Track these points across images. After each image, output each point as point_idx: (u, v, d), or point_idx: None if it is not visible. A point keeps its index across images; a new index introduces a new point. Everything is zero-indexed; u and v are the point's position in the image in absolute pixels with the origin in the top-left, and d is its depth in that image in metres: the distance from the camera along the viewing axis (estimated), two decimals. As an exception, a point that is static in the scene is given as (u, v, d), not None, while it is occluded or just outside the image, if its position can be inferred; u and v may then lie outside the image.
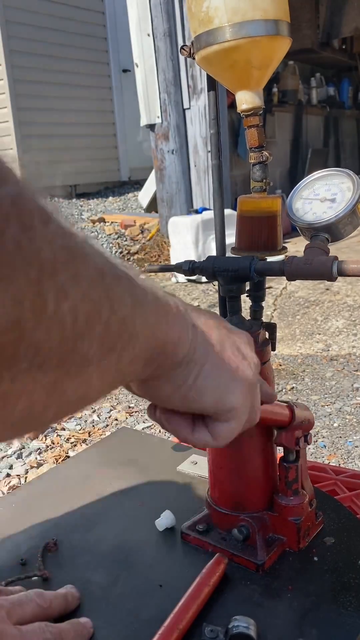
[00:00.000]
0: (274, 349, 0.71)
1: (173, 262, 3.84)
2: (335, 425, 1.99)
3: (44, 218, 0.26)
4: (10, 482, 1.71)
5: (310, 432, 0.68)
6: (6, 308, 0.23)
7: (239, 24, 0.61)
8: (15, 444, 1.94)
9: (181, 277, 3.76)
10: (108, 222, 5.11)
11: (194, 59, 0.67)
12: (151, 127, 4.47)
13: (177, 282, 3.77)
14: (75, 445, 1.93)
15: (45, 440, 1.96)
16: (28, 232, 0.25)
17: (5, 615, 0.52)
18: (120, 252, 4.41)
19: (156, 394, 0.43)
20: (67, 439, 1.96)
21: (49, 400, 0.28)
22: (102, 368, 0.31)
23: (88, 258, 0.29)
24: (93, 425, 2.06)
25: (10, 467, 1.80)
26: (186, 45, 0.67)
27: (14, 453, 1.88)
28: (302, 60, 6.18)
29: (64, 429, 2.03)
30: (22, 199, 0.25)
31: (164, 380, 0.41)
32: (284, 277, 0.64)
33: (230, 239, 0.72)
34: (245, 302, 0.72)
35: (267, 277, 0.69)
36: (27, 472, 1.77)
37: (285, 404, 0.66)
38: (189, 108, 4.37)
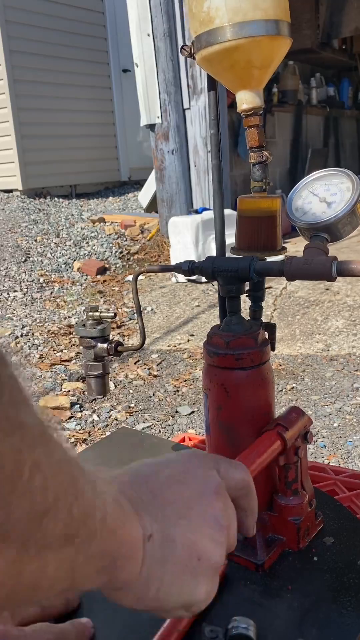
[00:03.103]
0: (273, 349, 0.71)
1: (173, 262, 3.84)
2: (335, 425, 1.99)
3: (27, 395, 0.29)
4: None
5: (310, 430, 0.68)
6: None
7: (239, 24, 0.61)
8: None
9: (181, 277, 3.76)
10: (108, 222, 5.11)
11: (194, 59, 0.67)
12: (151, 127, 4.47)
13: (177, 282, 3.77)
14: (75, 445, 1.93)
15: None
16: (16, 406, 0.28)
17: (8, 616, 0.53)
18: (120, 252, 4.41)
19: (119, 601, 0.41)
20: (67, 439, 1.96)
21: (4, 578, 0.28)
22: (59, 557, 0.31)
23: (59, 442, 0.32)
24: (93, 425, 2.06)
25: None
26: (187, 45, 0.67)
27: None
28: (302, 60, 6.18)
29: (64, 429, 2.03)
30: (17, 378, 0.29)
31: (122, 592, 0.40)
32: (284, 277, 0.64)
33: (231, 239, 0.72)
34: (245, 302, 0.72)
35: (267, 277, 0.69)
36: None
37: (273, 432, 0.64)
38: (189, 108, 4.37)
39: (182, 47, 0.67)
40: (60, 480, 0.30)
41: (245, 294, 0.71)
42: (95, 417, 2.12)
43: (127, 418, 2.11)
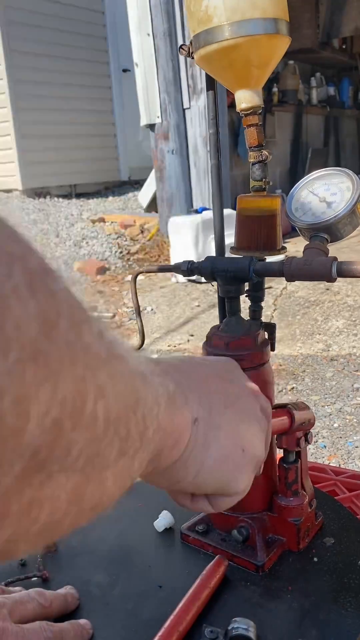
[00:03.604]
0: (273, 349, 0.70)
1: (173, 262, 3.83)
2: (336, 425, 1.99)
3: (89, 315, 0.26)
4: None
5: (310, 431, 0.68)
6: (51, 408, 0.22)
7: (238, 22, 0.61)
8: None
9: (181, 277, 3.75)
10: (108, 222, 5.11)
11: (192, 58, 0.66)
12: (151, 127, 4.47)
13: (177, 282, 3.77)
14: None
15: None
16: (77, 327, 0.25)
17: (7, 613, 0.53)
18: (120, 252, 4.41)
19: (155, 484, 0.41)
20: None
21: (69, 507, 0.27)
22: (117, 471, 0.30)
23: (120, 356, 0.29)
24: (93, 426, 2.06)
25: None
26: (185, 45, 0.67)
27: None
28: (302, 60, 6.18)
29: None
30: (72, 294, 0.25)
31: (160, 476, 0.40)
32: (284, 278, 0.64)
33: (231, 238, 0.72)
34: (245, 302, 0.71)
35: (267, 278, 0.69)
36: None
37: (284, 409, 0.65)
38: (189, 108, 4.37)
39: (180, 47, 0.67)
40: (123, 399, 0.28)
41: (245, 294, 0.71)
42: (95, 417, 2.12)
43: (127, 418, 2.11)
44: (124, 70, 7.01)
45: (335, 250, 0.62)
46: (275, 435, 0.67)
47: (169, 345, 2.81)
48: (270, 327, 0.73)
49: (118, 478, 0.30)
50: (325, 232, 0.66)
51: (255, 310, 0.74)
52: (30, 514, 0.24)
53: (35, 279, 0.22)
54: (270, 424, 0.50)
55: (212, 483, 0.42)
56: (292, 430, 0.65)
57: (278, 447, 0.68)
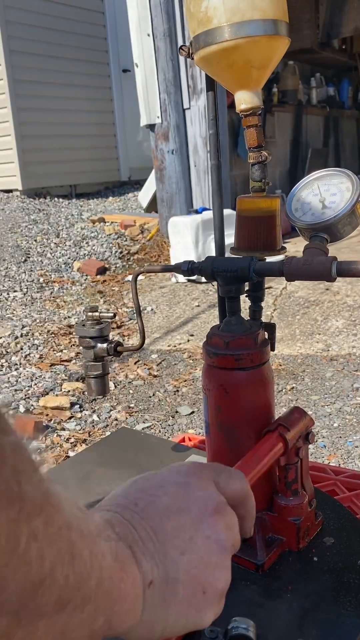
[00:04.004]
0: (273, 349, 0.70)
1: (173, 262, 3.84)
2: (335, 425, 1.99)
3: (34, 466, 0.29)
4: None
5: (311, 430, 0.68)
6: None
7: (237, 23, 0.61)
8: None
9: (181, 277, 3.75)
10: (108, 222, 5.11)
11: (192, 59, 0.66)
12: (151, 127, 4.47)
13: (177, 282, 3.77)
14: (75, 445, 1.93)
15: (45, 440, 1.96)
16: (18, 476, 0.27)
17: None
18: (120, 252, 4.41)
19: None
20: (67, 439, 1.96)
21: None
22: (51, 623, 0.31)
23: (59, 508, 0.31)
24: (93, 426, 2.06)
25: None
26: (185, 46, 0.67)
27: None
28: (302, 60, 6.18)
29: (63, 429, 2.03)
30: (20, 447, 0.28)
31: (126, 636, 0.39)
32: (284, 278, 0.64)
33: (231, 239, 0.72)
34: (245, 302, 0.72)
35: (267, 277, 0.69)
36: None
37: (274, 433, 0.64)
38: (189, 108, 4.37)
39: (180, 48, 0.67)
40: (57, 547, 0.30)
41: (245, 294, 0.71)
42: (95, 417, 2.12)
43: (127, 418, 2.11)
44: (124, 71, 7.01)
45: (335, 250, 0.62)
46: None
47: (168, 345, 2.81)
48: (270, 327, 0.73)
49: (51, 631, 0.31)
50: (325, 232, 0.66)
51: (255, 310, 0.74)
52: None
53: None
54: (250, 497, 0.49)
55: (178, 631, 0.42)
56: (288, 450, 0.64)
57: (278, 467, 0.68)
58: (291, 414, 0.66)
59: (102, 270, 4.07)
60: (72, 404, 2.20)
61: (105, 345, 0.79)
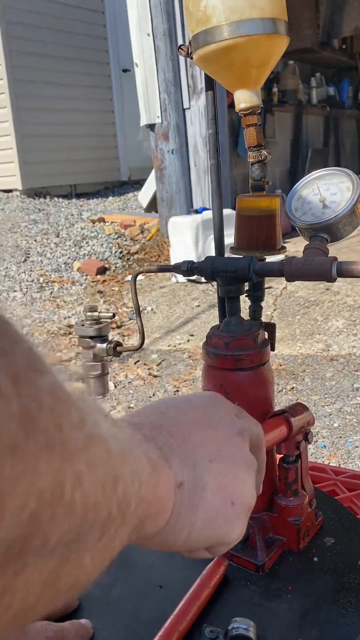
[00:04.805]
0: (273, 349, 0.70)
1: (173, 262, 3.83)
2: (335, 425, 1.99)
3: (74, 404, 0.27)
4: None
5: (310, 430, 0.68)
6: (28, 501, 0.23)
7: (236, 22, 0.61)
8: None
9: (181, 277, 3.75)
10: (108, 222, 5.11)
11: (191, 58, 0.66)
12: (151, 127, 4.47)
13: (177, 282, 3.77)
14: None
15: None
16: (57, 420, 0.25)
17: None
18: (120, 252, 4.41)
19: (146, 547, 0.40)
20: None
21: (43, 592, 0.26)
22: (96, 551, 0.30)
23: (100, 439, 0.29)
24: (93, 426, 2.06)
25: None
26: (184, 45, 0.66)
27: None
28: (302, 60, 6.18)
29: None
30: (56, 385, 0.26)
31: (149, 542, 0.39)
32: (284, 278, 0.64)
33: (231, 238, 0.72)
34: (245, 302, 0.71)
35: (267, 278, 0.69)
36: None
37: (281, 417, 0.64)
38: (189, 108, 4.37)
39: (179, 47, 0.67)
40: (102, 484, 0.28)
41: (245, 294, 0.71)
42: (95, 417, 2.12)
43: (127, 418, 2.11)
44: (124, 70, 7.01)
45: (335, 250, 0.62)
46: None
47: (168, 345, 2.81)
48: (270, 327, 0.73)
49: (97, 557, 0.30)
50: (325, 232, 0.66)
51: (255, 310, 0.74)
52: (1, 602, 0.24)
53: (19, 375, 0.23)
54: (263, 450, 0.49)
55: (204, 541, 0.42)
56: (291, 437, 0.65)
57: (278, 454, 0.68)
58: (295, 405, 0.67)
59: (102, 270, 4.07)
60: (72, 404, 2.20)
61: (104, 345, 0.79)
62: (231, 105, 4.46)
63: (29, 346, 0.25)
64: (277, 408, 0.68)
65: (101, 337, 0.79)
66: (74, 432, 0.26)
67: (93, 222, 5.09)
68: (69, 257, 4.28)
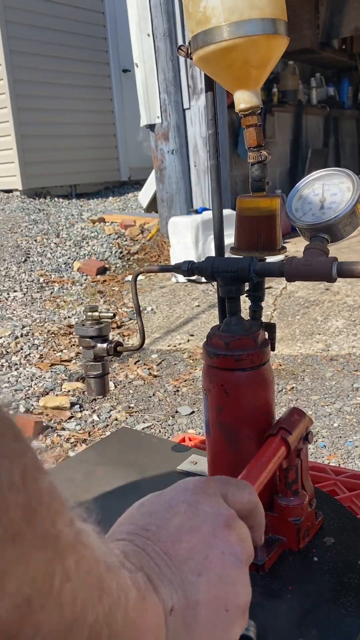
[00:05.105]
0: (273, 349, 0.70)
1: (173, 262, 3.84)
2: (335, 425, 1.99)
3: (64, 505, 0.30)
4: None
5: (310, 430, 0.68)
6: (23, 585, 0.25)
7: (236, 23, 0.61)
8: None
9: (181, 277, 3.75)
10: (108, 222, 5.11)
11: (191, 59, 0.66)
12: (151, 127, 4.47)
13: (177, 282, 3.77)
14: (75, 445, 1.93)
15: (45, 440, 1.96)
16: (53, 516, 0.28)
17: None
18: (120, 252, 4.41)
19: None
20: (67, 439, 1.96)
21: None
22: None
23: (88, 545, 0.31)
24: (93, 425, 2.06)
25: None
26: (184, 45, 0.67)
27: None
28: (302, 60, 6.18)
29: (64, 429, 2.03)
30: (53, 486, 0.29)
31: None
32: (284, 278, 0.64)
33: (231, 239, 0.72)
34: (245, 302, 0.71)
35: (267, 278, 0.69)
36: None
37: (277, 436, 0.64)
38: (189, 108, 4.37)
39: (179, 48, 0.67)
40: (89, 585, 0.30)
41: (245, 294, 0.71)
42: (95, 417, 2.12)
43: (127, 418, 2.11)
44: (124, 71, 7.01)
45: (335, 250, 0.62)
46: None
47: (169, 345, 2.81)
48: (270, 327, 0.73)
49: None
50: (326, 232, 0.66)
51: (255, 310, 0.74)
52: None
53: (28, 474, 0.26)
54: (259, 508, 0.48)
55: None
56: (291, 453, 0.64)
57: (279, 468, 0.68)
58: (291, 415, 0.66)
59: (102, 270, 4.07)
60: (72, 404, 2.20)
61: (105, 345, 0.79)
62: (231, 105, 4.46)
63: (35, 450, 0.28)
64: (277, 408, 0.68)
65: (101, 337, 0.79)
66: (66, 529, 0.29)
67: (93, 222, 5.09)
68: (69, 257, 4.28)
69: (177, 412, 2.15)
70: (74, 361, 2.63)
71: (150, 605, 0.37)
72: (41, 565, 0.26)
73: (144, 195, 5.50)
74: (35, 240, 4.58)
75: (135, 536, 0.42)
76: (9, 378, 2.46)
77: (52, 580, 0.27)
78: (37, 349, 2.79)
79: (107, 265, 4.16)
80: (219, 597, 0.41)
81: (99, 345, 0.79)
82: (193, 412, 2.14)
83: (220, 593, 0.41)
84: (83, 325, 0.80)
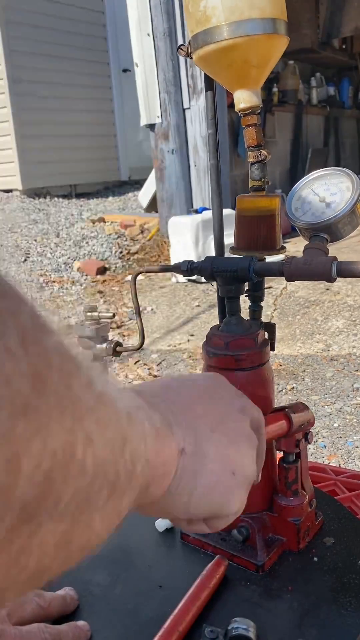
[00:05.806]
0: (273, 349, 0.70)
1: (173, 262, 3.83)
2: (336, 425, 1.99)
3: (79, 364, 0.27)
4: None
5: (310, 430, 0.68)
6: (42, 461, 0.23)
7: (236, 22, 0.61)
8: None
9: (181, 277, 3.75)
10: (108, 222, 5.11)
11: (191, 58, 0.66)
12: (151, 127, 4.47)
13: (177, 282, 3.77)
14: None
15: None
16: (67, 380, 0.25)
17: (5, 615, 0.53)
18: (120, 252, 4.41)
19: (144, 514, 0.41)
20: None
21: (57, 552, 0.27)
22: (105, 513, 0.30)
23: (109, 400, 0.29)
24: (93, 426, 2.06)
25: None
26: (184, 45, 0.66)
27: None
28: (302, 60, 6.17)
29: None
30: (63, 346, 0.26)
31: (149, 509, 0.39)
32: (284, 278, 0.64)
33: (231, 238, 0.72)
34: (245, 302, 0.71)
35: (267, 277, 0.69)
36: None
37: (281, 412, 0.65)
38: (189, 108, 4.37)
39: (179, 47, 0.67)
40: (111, 443, 0.28)
41: (245, 294, 0.71)
42: (95, 417, 2.12)
43: (127, 418, 2.11)
44: (124, 70, 7.01)
45: (335, 250, 0.62)
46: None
47: (169, 345, 2.81)
48: (270, 327, 0.73)
49: (106, 519, 0.30)
50: (325, 232, 0.66)
51: (255, 310, 0.74)
52: (19, 562, 0.24)
53: (27, 335, 0.23)
54: (263, 435, 0.49)
55: (204, 510, 0.42)
56: (291, 433, 0.65)
57: (277, 450, 0.68)
58: (296, 404, 0.67)
59: (102, 270, 4.07)
60: (72, 404, 2.20)
61: (104, 345, 0.79)
62: (231, 105, 4.46)
63: (33, 306, 0.25)
64: (277, 408, 0.68)
65: (101, 337, 0.79)
66: (84, 391, 0.26)
67: (93, 222, 5.09)
68: (69, 257, 4.28)
69: (177, 412, 2.15)
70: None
71: (165, 442, 0.37)
72: (60, 435, 0.24)
73: (144, 195, 5.50)
74: (35, 240, 4.58)
75: (156, 387, 0.42)
76: (9, 378, 2.45)
77: (74, 449, 0.25)
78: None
79: (107, 265, 4.16)
80: (228, 457, 0.42)
81: (98, 345, 0.79)
82: (193, 412, 2.14)
83: (230, 455, 0.42)
84: (82, 325, 0.80)
